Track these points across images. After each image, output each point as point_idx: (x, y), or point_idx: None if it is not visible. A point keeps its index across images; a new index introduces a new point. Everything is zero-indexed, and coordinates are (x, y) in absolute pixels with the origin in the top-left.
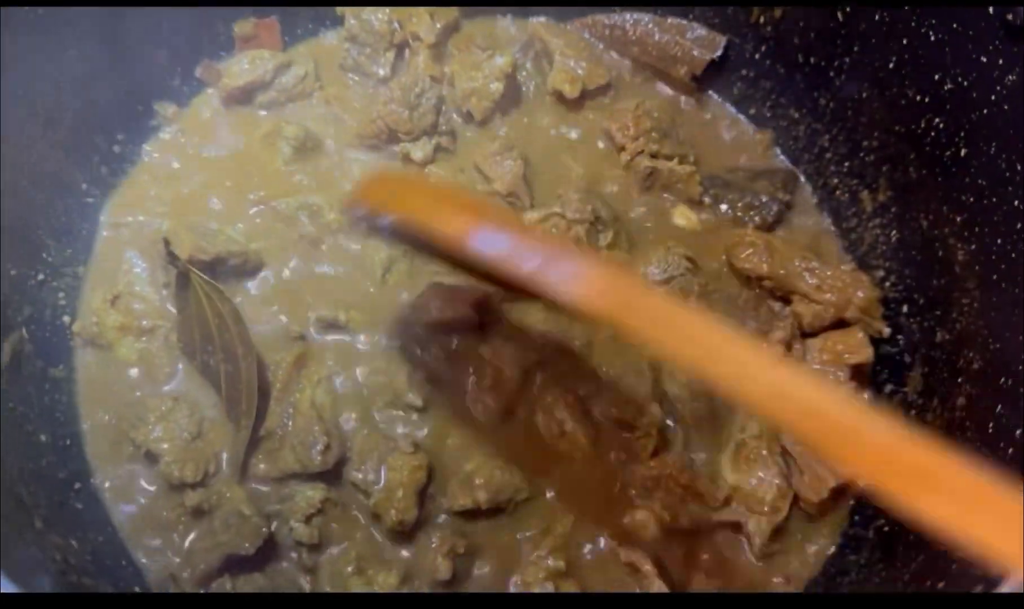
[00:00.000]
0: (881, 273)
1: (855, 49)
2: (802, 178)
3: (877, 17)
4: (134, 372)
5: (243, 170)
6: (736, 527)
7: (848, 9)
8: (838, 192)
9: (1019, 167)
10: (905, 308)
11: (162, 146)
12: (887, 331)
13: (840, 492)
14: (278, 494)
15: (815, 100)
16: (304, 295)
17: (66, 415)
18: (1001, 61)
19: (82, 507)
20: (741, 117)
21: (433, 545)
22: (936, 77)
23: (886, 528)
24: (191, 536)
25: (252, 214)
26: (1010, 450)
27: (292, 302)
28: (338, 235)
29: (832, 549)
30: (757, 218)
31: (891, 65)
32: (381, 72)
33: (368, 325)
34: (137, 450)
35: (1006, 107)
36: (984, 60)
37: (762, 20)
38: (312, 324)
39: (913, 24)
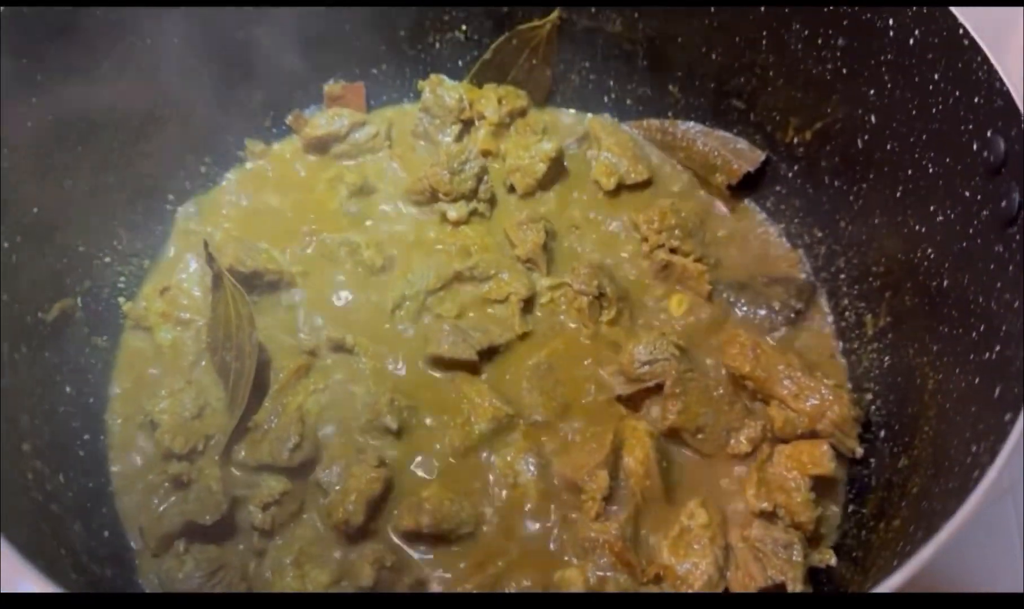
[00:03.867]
0: (870, 396)
1: (871, 176)
2: (821, 292)
3: (889, 147)
4: (165, 356)
5: (305, 206)
6: None
7: (867, 138)
8: (847, 313)
9: (981, 299)
10: (883, 432)
11: (244, 175)
12: (860, 451)
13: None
14: (248, 481)
15: (836, 222)
16: (324, 317)
17: (98, 378)
18: (979, 196)
19: (83, 455)
20: (771, 229)
21: (365, 553)
22: (931, 208)
23: None
24: (168, 501)
25: (301, 243)
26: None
27: (312, 321)
28: (366, 272)
29: None
30: (766, 323)
31: (899, 194)
32: (445, 141)
33: (371, 351)
34: (145, 418)
35: (979, 241)
36: (967, 194)
37: (796, 140)
38: (323, 342)
39: (916, 155)
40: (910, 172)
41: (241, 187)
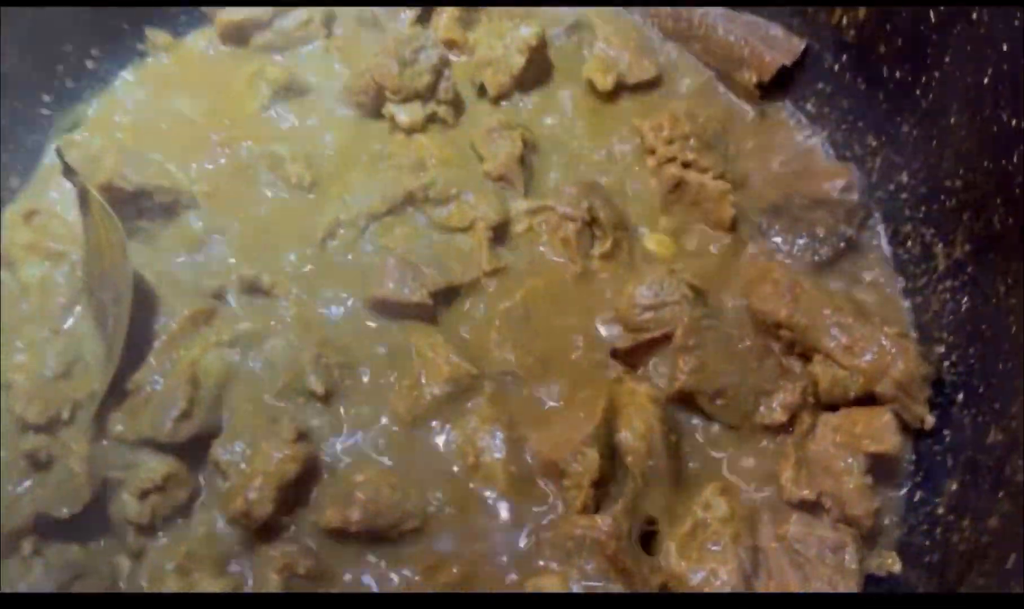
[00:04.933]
0: (942, 348)
1: (947, 60)
2: (876, 216)
3: (975, 16)
4: (31, 297)
5: (218, 109)
6: None
7: (942, 8)
8: (909, 242)
9: None
10: (961, 396)
11: (143, 72)
12: (931, 421)
13: None
14: (125, 460)
15: (897, 126)
16: (233, 249)
17: None
18: None
19: None
20: (813, 138)
21: (272, 557)
22: None
23: None
24: (24, 485)
25: (211, 155)
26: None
27: (218, 254)
28: (291, 192)
29: None
30: (808, 255)
31: (986, 80)
32: (400, 29)
33: (294, 294)
34: None
35: None
36: None
37: (844, 21)
38: (232, 281)
39: (1016, 23)
40: (1005, 47)
41: (139, 88)
